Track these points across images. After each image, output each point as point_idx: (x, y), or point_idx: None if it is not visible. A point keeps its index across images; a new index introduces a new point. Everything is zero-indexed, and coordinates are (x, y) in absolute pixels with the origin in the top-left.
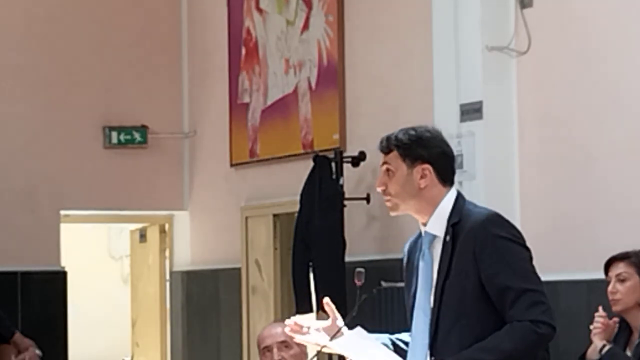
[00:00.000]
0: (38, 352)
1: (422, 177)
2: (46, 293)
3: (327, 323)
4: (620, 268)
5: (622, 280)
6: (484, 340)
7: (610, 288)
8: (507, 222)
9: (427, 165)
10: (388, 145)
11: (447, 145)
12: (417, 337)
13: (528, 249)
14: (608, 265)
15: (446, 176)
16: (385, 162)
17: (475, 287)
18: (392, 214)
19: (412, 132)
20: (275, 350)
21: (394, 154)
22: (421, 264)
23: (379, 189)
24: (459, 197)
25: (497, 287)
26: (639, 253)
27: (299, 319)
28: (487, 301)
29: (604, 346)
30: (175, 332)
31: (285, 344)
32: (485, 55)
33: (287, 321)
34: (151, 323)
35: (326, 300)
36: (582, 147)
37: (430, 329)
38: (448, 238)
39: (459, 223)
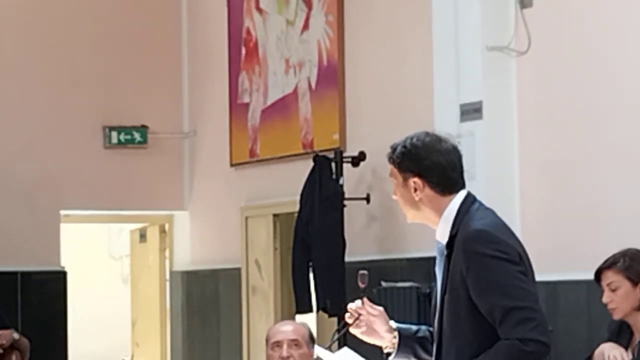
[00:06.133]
0: (16, 335)
1: (415, 190)
2: (46, 293)
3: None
4: (609, 277)
5: (614, 290)
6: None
7: (604, 298)
8: (493, 236)
9: (417, 179)
10: (388, 159)
11: (445, 153)
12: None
13: (516, 263)
14: (598, 275)
15: (444, 186)
16: (390, 174)
17: (468, 305)
18: (408, 221)
19: (406, 144)
20: (285, 346)
21: (392, 166)
22: (437, 272)
23: (394, 197)
24: (464, 203)
25: (484, 307)
26: (625, 257)
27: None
28: (481, 316)
29: None
30: (175, 332)
31: (296, 342)
32: (485, 55)
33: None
34: (151, 323)
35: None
36: (582, 147)
37: (436, 340)
38: (448, 251)
39: (456, 235)
